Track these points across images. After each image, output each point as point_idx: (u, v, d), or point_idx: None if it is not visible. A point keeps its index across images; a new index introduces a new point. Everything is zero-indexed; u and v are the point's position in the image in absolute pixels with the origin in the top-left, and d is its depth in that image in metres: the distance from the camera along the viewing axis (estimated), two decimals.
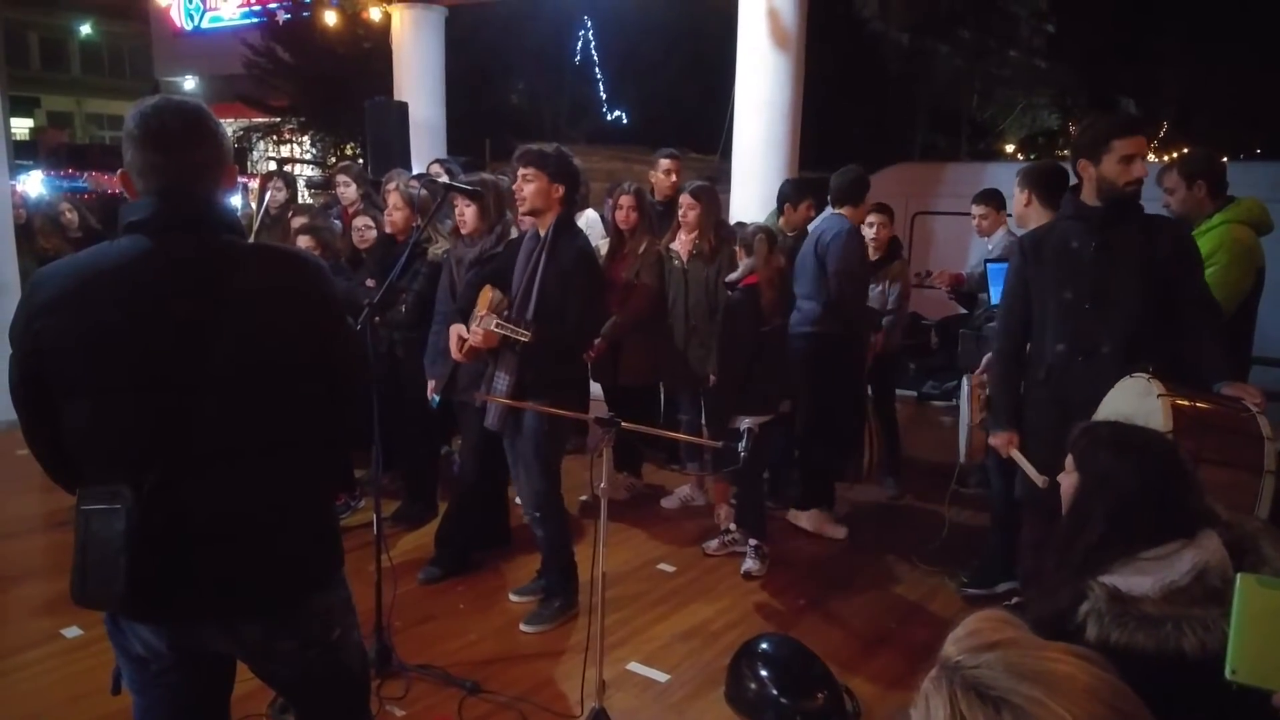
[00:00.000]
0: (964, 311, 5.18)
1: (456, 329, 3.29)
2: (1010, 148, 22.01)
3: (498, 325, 3.00)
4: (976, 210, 4.65)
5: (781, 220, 4.72)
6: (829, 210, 4.42)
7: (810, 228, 4.57)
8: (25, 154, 19.29)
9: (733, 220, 4.98)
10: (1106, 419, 1.96)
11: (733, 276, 3.86)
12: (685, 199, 4.31)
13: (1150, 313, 2.74)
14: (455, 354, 3.29)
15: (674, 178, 4.91)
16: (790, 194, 4.73)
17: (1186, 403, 2.33)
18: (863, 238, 4.45)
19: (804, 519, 4.42)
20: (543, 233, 3.20)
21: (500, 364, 3.20)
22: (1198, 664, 1.41)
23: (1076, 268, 2.82)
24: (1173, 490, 1.63)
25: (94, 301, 1.48)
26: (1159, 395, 2.34)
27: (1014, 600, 3.44)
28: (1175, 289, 2.75)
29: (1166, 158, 13.48)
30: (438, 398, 3.88)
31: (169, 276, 1.50)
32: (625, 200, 4.48)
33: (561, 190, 3.15)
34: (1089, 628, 1.51)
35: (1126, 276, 2.76)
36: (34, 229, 6.20)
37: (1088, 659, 0.80)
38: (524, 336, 2.96)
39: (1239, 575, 1.29)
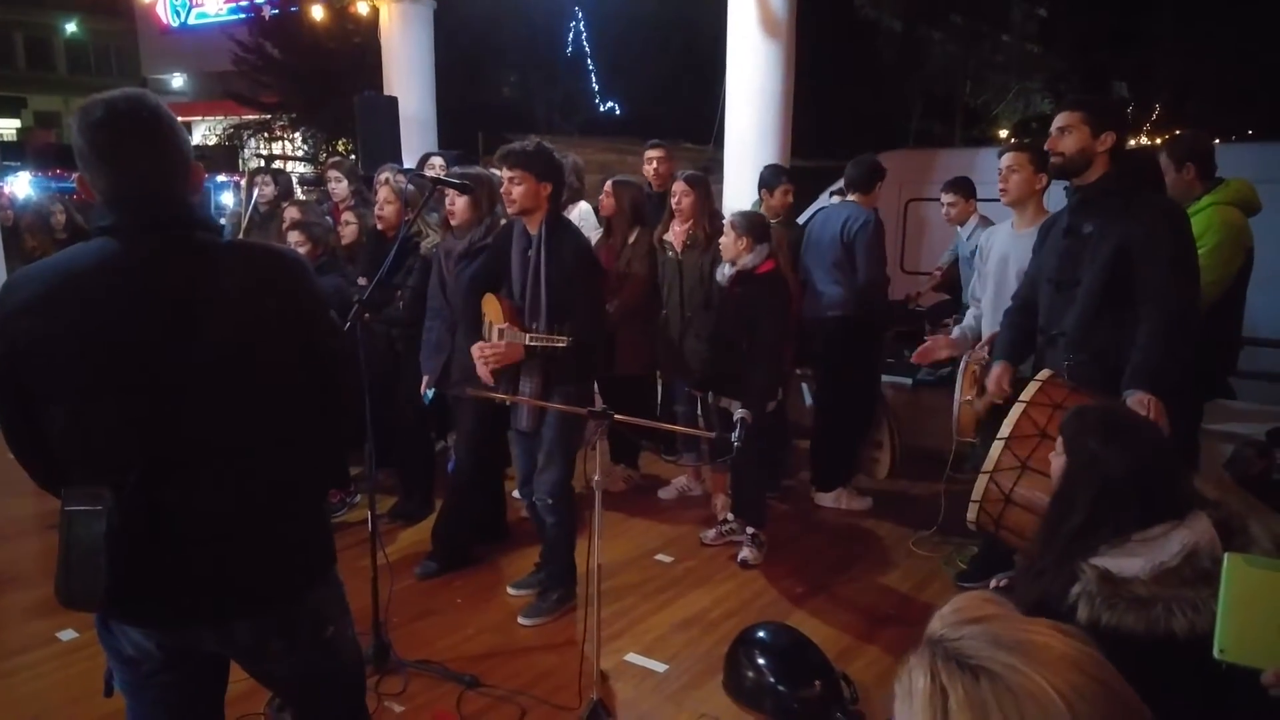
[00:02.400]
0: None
1: (479, 349, 3.27)
2: (1004, 133, 22.01)
3: (532, 339, 3.02)
4: (945, 199, 4.65)
5: (763, 207, 4.72)
6: (834, 196, 4.42)
7: (815, 213, 4.53)
8: (12, 155, 19.20)
9: (725, 210, 4.97)
10: None
11: (746, 263, 3.80)
12: (679, 186, 4.29)
13: (1106, 302, 2.66)
14: (483, 374, 3.28)
15: (655, 164, 4.92)
16: (769, 179, 4.73)
17: (1047, 413, 2.28)
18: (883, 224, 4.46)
19: (828, 498, 4.58)
20: (533, 232, 3.20)
21: (525, 370, 3.21)
22: (1187, 644, 1.42)
23: (1054, 251, 2.85)
24: (1160, 473, 1.64)
25: (67, 303, 1.46)
26: (1019, 400, 2.33)
27: (1004, 583, 3.45)
28: (1138, 278, 2.63)
29: (1159, 141, 13.48)
30: (431, 392, 3.87)
31: (141, 277, 1.48)
32: (605, 188, 4.57)
33: (549, 188, 3.15)
34: (1080, 609, 1.52)
35: (1089, 263, 2.71)
36: (21, 227, 6.15)
37: (1069, 633, 0.82)
38: (563, 342, 2.98)
39: (1227, 555, 1.30)
